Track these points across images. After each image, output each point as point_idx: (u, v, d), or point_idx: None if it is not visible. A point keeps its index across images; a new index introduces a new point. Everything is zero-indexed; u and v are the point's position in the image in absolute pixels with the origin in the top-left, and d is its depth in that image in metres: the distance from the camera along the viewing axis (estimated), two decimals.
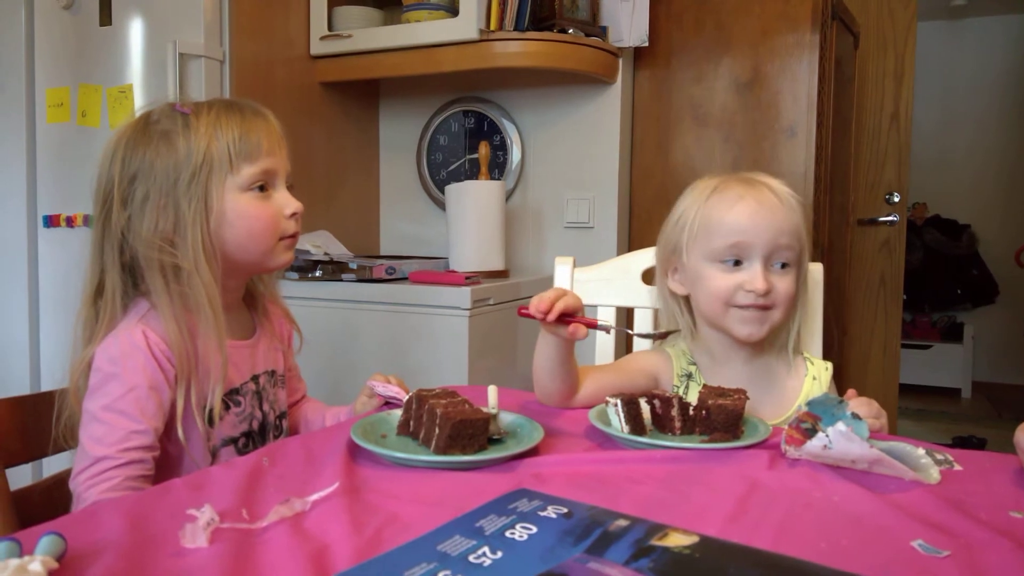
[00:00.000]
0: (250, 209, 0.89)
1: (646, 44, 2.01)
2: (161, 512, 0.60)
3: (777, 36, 2.03)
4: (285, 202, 0.92)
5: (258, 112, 0.92)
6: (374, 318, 1.77)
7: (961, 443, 3.29)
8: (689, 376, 1.03)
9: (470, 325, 1.68)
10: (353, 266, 1.81)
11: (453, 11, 1.92)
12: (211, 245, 0.87)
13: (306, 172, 2.07)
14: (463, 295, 1.68)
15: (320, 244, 1.91)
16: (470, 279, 1.75)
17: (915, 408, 4.07)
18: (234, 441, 0.92)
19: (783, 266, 0.94)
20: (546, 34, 1.88)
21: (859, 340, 2.81)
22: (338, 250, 1.98)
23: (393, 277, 1.84)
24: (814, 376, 1.00)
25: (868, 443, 0.70)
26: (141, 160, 0.87)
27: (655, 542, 0.54)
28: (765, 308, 0.94)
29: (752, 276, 0.93)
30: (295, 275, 1.86)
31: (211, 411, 0.87)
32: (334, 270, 1.83)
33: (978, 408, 4.13)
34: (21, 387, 1.93)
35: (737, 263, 0.95)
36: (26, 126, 1.95)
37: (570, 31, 1.90)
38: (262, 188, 0.90)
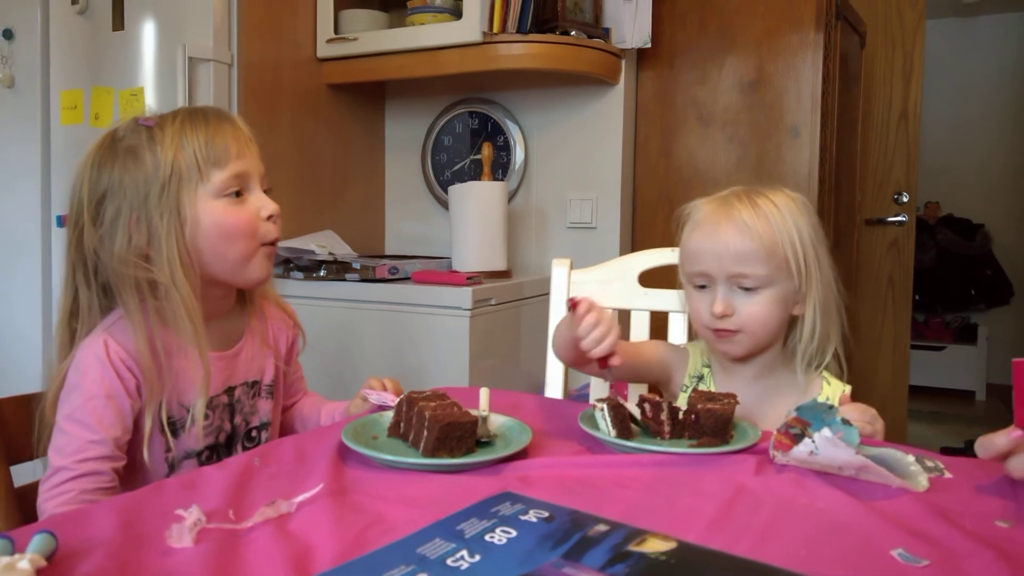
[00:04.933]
0: (226, 215, 0.88)
1: (649, 45, 2.01)
2: (152, 512, 0.61)
3: (781, 36, 2.02)
4: (261, 204, 0.91)
5: (223, 117, 0.91)
6: (377, 318, 1.79)
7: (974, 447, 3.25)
8: (700, 378, 1.03)
9: (471, 325, 1.69)
10: (356, 266, 1.83)
11: (457, 14, 1.93)
12: (188, 256, 0.86)
13: (313, 173, 2.09)
14: (464, 295, 1.69)
15: (325, 244, 1.92)
16: (471, 279, 1.76)
17: (928, 410, 4.04)
18: (198, 454, 0.91)
19: (748, 289, 0.93)
20: (548, 36, 1.89)
21: (868, 341, 2.79)
22: (343, 250, 2.00)
23: (396, 277, 1.86)
24: (827, 397, 0.98)
25: (855, 449, 0.70)
26: (109, 178, 0.86)
27: (632, 548, 0.54)
28: (728, 331, 0.94)
29: (712, 299, 0.95)
30: (300, 275, 1.88)
31: (175, 423, 0.87)
32: (338, 270, 1.85)
33: (992, 411, 4.09)
34: (34, 384, 1.94)
35: (704, 286, 0.97)
36: (41, 127, 1.99)
37: (572, 33, 1.90)
38: (237, 194, 0.89)
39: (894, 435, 2.84)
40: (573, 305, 0.88)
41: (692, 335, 1.13)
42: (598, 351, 0.86)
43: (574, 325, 0.87)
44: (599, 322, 0.86)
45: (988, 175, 4.51)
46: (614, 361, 0.88)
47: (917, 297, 4.35)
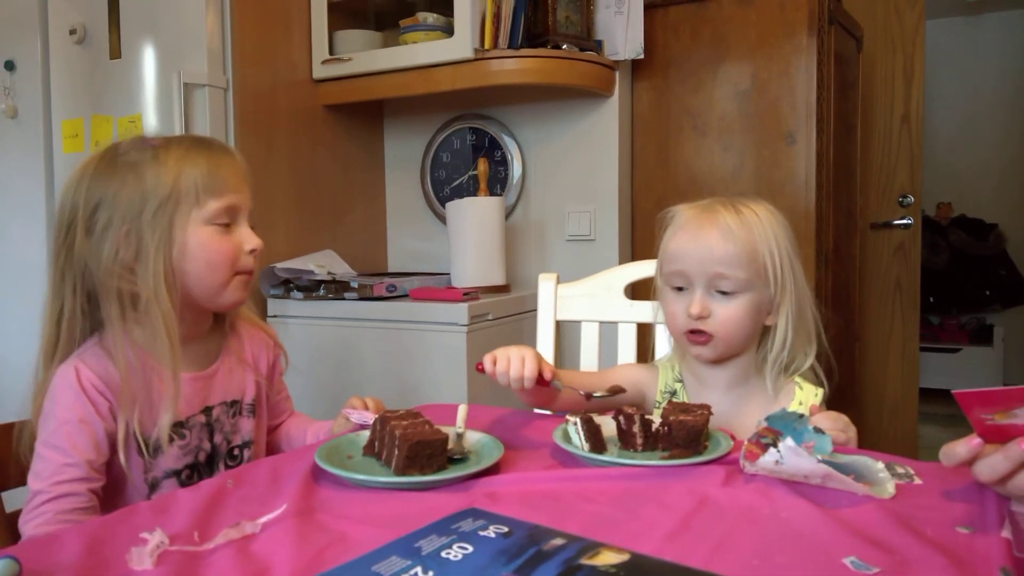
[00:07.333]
0: (212, 242, 0.91)
1: (641, 56, 2.02)
2: (120, 535, 0.62)
3: (774, 43, 2.02)
4: (246, 238, 0.94)
5: (226, 150, 0.95)
6: (375, 335, 1.80)
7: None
8: (673, 393, 1.03)
9: (468, 341, 1.70)
10: (355, 285, 1.85)
11: (449, 31, 1.95)
12: (172, 275, 0.89)
13: (312, 193, 2.12)
14: (460, 311, 1.70)
15: (324, 264, 1.95)
16: (468, 295, 1.77)
17: (944, 413, 3.97)
18: (177, 473, 0.93)
19: (725, 293, 0.94)
20: (540, 51, 1.90)
21: (876, 345, 2.76)
22: (342, 269, 2.02)
23: (394, 295, 1.87)
24: (800, 401, 0.98)
25: (818, 458, 0.70)
26: (105, 189, 0.89)
27: (584, 561, 0.55)
28: (703, 333, 0.95)
29: (689, 302, 0.95)
30: (300, 295, 1.90)
31: (150, 443, 0.89)
32: (337, 289, 1.87)
33: None
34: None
35: (681, 289, 0.97)
36: (44, 157, 2.03)
37: (564, 47, 1.92)
38: (226, 225, 0.92)
39: (905, 439, 2.80)
40: (480, 370, 0.92)
41: None
42: (527, 382, 0.89)
43: (500, 381, 0.91)
44: (508, 363, 0.90)
45: (1000, 174, 4.45)
46: (547, 375, 0.90)
47: (931, 299, 4.29)
